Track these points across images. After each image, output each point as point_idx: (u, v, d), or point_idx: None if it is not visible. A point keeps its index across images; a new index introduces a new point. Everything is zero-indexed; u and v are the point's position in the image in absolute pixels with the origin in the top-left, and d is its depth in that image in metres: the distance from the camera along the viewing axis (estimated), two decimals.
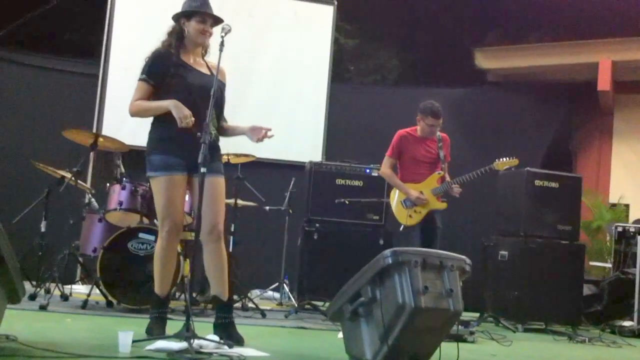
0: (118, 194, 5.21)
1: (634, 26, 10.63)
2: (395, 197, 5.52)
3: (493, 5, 10.25)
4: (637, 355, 4.95)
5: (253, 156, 5.70)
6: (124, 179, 5.28)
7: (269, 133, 3.87)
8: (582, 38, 11.18)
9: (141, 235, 4.97)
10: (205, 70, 3.92)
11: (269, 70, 7.82)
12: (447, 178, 5.41)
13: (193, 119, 3.64)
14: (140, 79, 3.82)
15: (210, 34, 3.92)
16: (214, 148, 3.83)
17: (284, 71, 7.91)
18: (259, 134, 3.87)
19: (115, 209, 5.21)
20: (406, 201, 5.40)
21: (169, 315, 3.92)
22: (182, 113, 3.62)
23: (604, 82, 11.16)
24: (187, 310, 3.36)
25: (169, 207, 3.75)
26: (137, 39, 7.43)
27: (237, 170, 5.78)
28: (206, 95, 3.64)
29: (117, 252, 4.95)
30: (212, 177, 3.74)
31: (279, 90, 7.78)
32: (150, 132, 3.86)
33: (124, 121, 7.07)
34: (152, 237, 4.91)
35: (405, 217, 5.39)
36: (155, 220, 5.29)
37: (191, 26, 3.84)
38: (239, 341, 3.69)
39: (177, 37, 3.88)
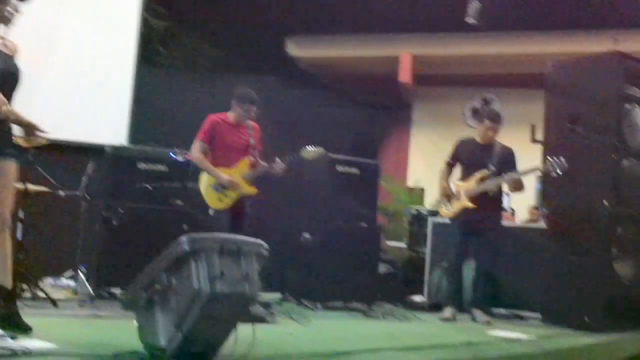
0: None
1: (434, 23, 11.35)
2: (205, 181, 5.45)
3: None
4: (424, 328, 5.31)
5: (44, 139, 5.34)
6: None
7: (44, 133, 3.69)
8: (385, 32, 11.77)
9: None
10: (6, 50, 3.66)
11: (70, 48, 7.36)
12: (261, 164, 5.45)
13: (7, 107, 3.43)
14: None
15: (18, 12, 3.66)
16: (6, 131, 3.64)
17: (87, 50, 7.49)
18: (31, 133, 3.69)
19: None
20: (217, 185, 5.36)
21: None
22: None
23: (405, 75, 11.86)
24: None
25: None
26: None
27: (28, 153, 5.39)
28: (12, 79, 3.53)
29: None
30: (2, 161, 3.57)
31: (80, 69, 7.36)
32: None
33: None
34: None
35: (215, 201, 5.36)
36: None
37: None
38: (26, 330, 3.52)
39: None
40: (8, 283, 3.69)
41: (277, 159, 5.39)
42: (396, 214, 10.12)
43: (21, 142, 5.07)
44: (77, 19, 7.45)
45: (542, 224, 6.61)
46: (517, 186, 5.76)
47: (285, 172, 5.42)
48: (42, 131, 3.72)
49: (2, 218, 3.59)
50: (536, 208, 10.43)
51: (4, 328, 3.40)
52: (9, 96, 3.53)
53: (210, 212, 5.36)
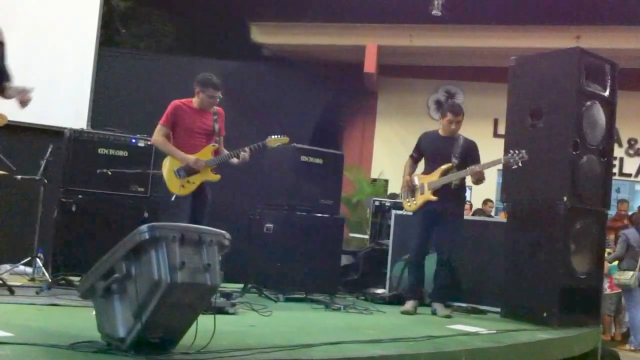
0: None
1: (398, 14, 11.37)
2: (167, 166, 5.36)
3: None
4: (385, 320, 5.32)
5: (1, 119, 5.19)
6: None
7: (31, 96, 3.57)
8: (352, 21, 11.75)
9: None
10: None
11: (29, 28, 7.17)
12: (224, 151, 5.39)
13: None
14: None
15: None
16: None
17: (47, 30, 7.32)
18: (24, 96, 3.57)
19: None
20: (179, 170, 5.28)
21: None
22: None
23: (370, 65, 11.87)
24: None
25: None
26: None
27: None
28: None
29: None
30: None
31: (39, 50, 7.18)
32: None
33: None
34: None
35: (177, 187, 5.28)
36: None
37: None
38: None
39: None
40: None
41: (245, 149, 5.33)
42: (358, 205, 10.15)
43: None
44: None
45: (497, 218, 6.68)
46: (480, 178, 5.80)
47: (246, 161, 5.37)
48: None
49: None
50: (490, 201, 10.61)
51: None
52: None
53: (172, 197, 5.29)
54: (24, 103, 3.57)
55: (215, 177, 5.42)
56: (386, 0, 11.03)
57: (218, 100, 5.38)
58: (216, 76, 5.45)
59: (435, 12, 10.68)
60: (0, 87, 3.60)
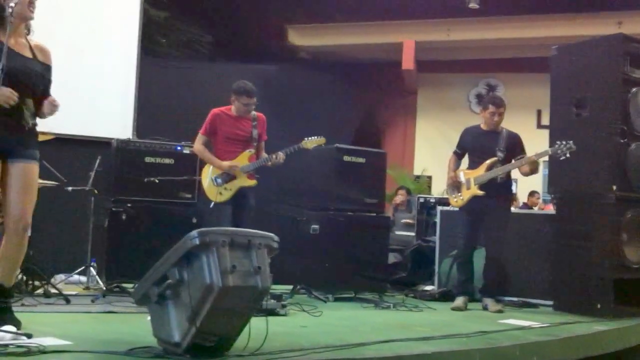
0: None
1: (434, 9, 11.30)
2: (206, 175, 5.47)
3: None
4: (435, 317, 5.29)
5: (51, 134, 5.33)
6: None
7: (57, 105, 3.68)
8: (387, 19, 11.72)
9: None
10: (27, 53, 3.65)
11: (71, 41, 7.31)
12: (263, 156, 5.45)
13: (16, 95, 3.40)
14: None
15: (35, 7, 3.65)
16: (30, 133, 3.65)
17: (89, 42, 7.46)
18: (49, 107, 3.68)
19: None
20: (216, 178, 5.37)
21: None
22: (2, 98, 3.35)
23: (408, 62, 11.82)
24: None
25: None
26: None
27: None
28: (27, 81, 3.51)
29: None
30: (24, 163, 3.58)
31: (83, 63, 7.33)
32: None
33: None
34: None
35: (215, 194, 5.38)
36: None
37: (15, 1, 3.49)
38: (16, 325, 3.51)
39: None
40: (10, 282, 3.70)
41: (279, 152, 5.39)
42: None
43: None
44: (79, 12, 7.42)
45: (547, 210, 6.59)
46: (533, 168, 5.74)
47: (280, 163, 5.40)
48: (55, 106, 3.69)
49: (24, 221, 3.60)
50: (536, 193, 10.46)
51: None
52: (22, 95, 3.50)
53: (211, 205, 5.37)
54: (50, 113, 3.69)
55: (252, 183, 5.48)
56: None
57: (253, 107, 5.44)
58: (254, 81, 5.51)
59: (472, 5, 10.59)
60: (39, 107, 3.71)
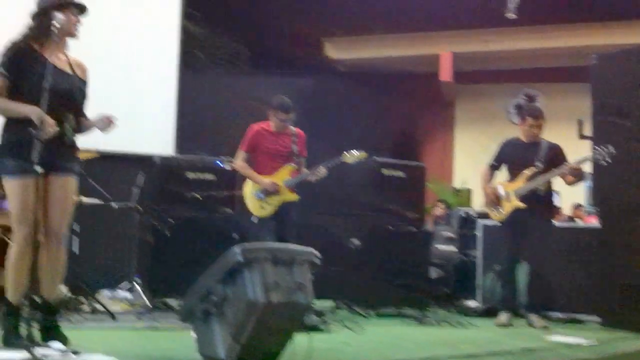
0: None
1: (471, 20, 11.23)
2: (248, 189, 5.50)
3: None
4: (479, 334, 5.23)
5: (94, 152, 5.43)
6: None
7: (114, 121, 3.75)
8: (424, 30, 11.68)
9: None
10: (67, 68, 3.73)
11: (111, 58, 7.42)
12: (303, 172, 5.46)
13: (56, 128, 3.49)
14: None
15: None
16: (70, 147, 3.73)
17: (129, 59, 7.57)
18: (105, 123, 3.75)
19: None
20: (258, 192, 5.40)
21: None
22: (45, 125, 3.42)
23: (446, 73, 11.76)
24: (28, 318, 3.28)
25: (24, 211, 3.53)
26: None
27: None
28: (67, 97, 3.60)
29: None
30: (64, 177, 3.67)
31: (124, 79, 7.43)
32: (3, 135, 3.65)
33: None
34: None
35: (257, 209, 5.40)
36: None
37: (62, 18, 3.59)
38: (63, 342, 3.56)
39: (43, 31, 3.62)
40: (54, 297, 3.76)
41: (320, 166, 5.39)
42: None
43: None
44: (120, 30, 7.55)
45: (590, 223, 6.47)
46: (577, 176, 5.63)
47: (321, 177, 5.40)
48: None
49: (60, 233, 3.68)
50: (580, 206, 10.26)
51: (44, 339, 3.50)
52: (58, 108, 3.57)
53: (254, 219, 5.40)
54: (105, 129, 3.75)
55: (294, 197, 5.49)
56: (458, 7, 10.91)
57: (290, 122, 5.46)
58: (292, 95, 5.54)
59: (510, 15, 10.48)
60: (79, 123, 3.78)
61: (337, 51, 12.44)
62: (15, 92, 3.60)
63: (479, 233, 6.92)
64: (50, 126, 3.44)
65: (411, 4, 10.50)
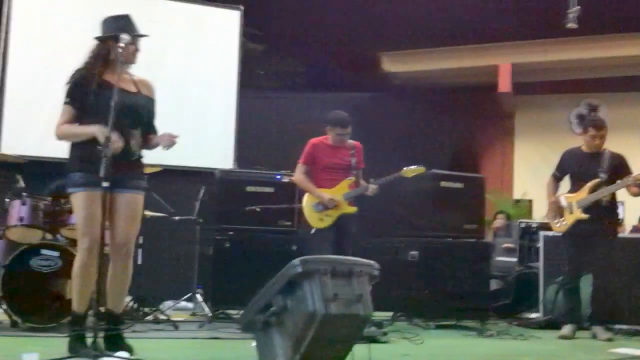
0: (18, 210, 5.00)
1: (530, 30, 11.09)
2: (307, 202, 5.56)
3: (396, 9, 10.42)
4: (542, 346, 5.14)
5: (159, 166, 5.60)
6: (23, 194, 5.07)
7: (176, 139, 3.86)
8: (481, 42, 11.58)
9: (44, 252, 4.79)
10: (131, 88, 3.88)
11: (175, 77, 7.65)
12: (361, 184, 5.50)
13: (121, 144, 3.63)
14: (64, 103, 3.78)
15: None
16: (136, 164, 3.87)
17: (191, 76, 7.80)
18: (167, 141, 3.87)
19: (15, 225, 5.00)
20: (317, 205, 5.46)
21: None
22: (110, 141, 3.53)
23: (504, 84, 11.61)
24: (94, 328, 3.36)
25: (89, 223, 3.68)
26: (35, 50, 7.20)
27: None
28: (131, 114, 3.72)
29: (19, 270, 4.75)
30: (130, 193, 3.81)
31: (187, 96, 7.66)
32: (71, 151, 3.82)
33: (24, 133, 6.89)
34: (55, 254, 4.78)
35: (316, 221, 5.46)
36: (58, 236, 5.15)
37: (122, 47, 3.73)
38: (129, 351, 3.67)
39: (103, 58, 3.81)
40: (120, 308, 3.91)
41: (373, 181, 5.43)
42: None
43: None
44: (182, 49, 7.77)
45: None
46: None
47: (372, 193, 5.43)
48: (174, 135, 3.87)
49: (128, 247, 3.82)
50: None
51: (110, 349, 3.59)
52: (124, 126, 3.70)
53: (313, 231, 5.45)
54: (168, 146, 3.86)
55: (352, 210, 5.52)
56: (517, 18, 10.78)
57: (348, 137, 5.51)
58: (349, 110, 5.59)
59: (571, 25, 10.31)
60: (146, 139, 3.91)
61: (393, 65, 12.43)
62: (82, 116, 3.77)
63: (540, 244, 6.82)
64: (115, 142, 3.57)
65: (468, 15, 10.43)
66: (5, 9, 7.15)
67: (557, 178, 5.96)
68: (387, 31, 11.28)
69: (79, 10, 7.31)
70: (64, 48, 6.75)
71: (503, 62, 11.71)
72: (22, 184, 5.29)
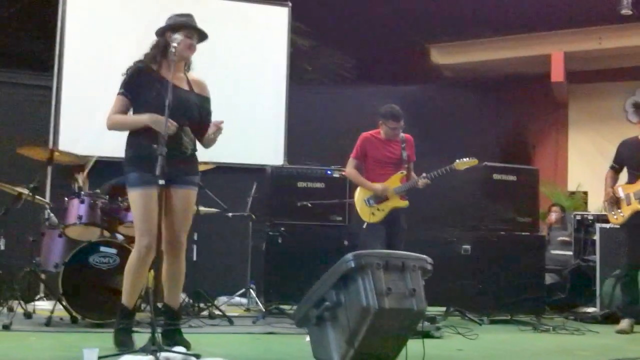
0: (77, 208, 5.14)
1: (583, 17, 10.84)
2: (358, 196, 5.56)
3: (445, 0, 10.32)
4: (599, 341, 5.05)
5: (212, 163, 5.68)
6: (82, 192, 5.21)
7: (221, 125, 3.91)
8: (533, 31, 11.38)
9: (102, 249, 4.91)
10: (184, 86, 3.95)
11: (226, 74, 7.71)
12: (413, 177, 5.48)
13: (175, 125, 3.68)
14: (118, 93, 3.87)
15: (195, 49, 3.96)
16: (190, 160, 3.93)
17: (241, 74, 7.86)
18: (214, 127, 3.93)
19: (74, 224, 5.14)
20: (369, 199, 5.45)
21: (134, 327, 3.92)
22: (161, 125, 3.62)
23: (557, 74, 11.39)
24: (152, 323, 3.39)
25: (146, 221, 3.77)
26: (91, 49, 7.36)
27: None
28: (183, 110, 3.77)
29: (78, 267, 4.88)
30: (184, 189, 3.89)
31: (237, 93, 7.72)
32: (126, 150, 3.91)
33: (81, 133, 7.06)
34: (113, 251, 4.90)
35: (368, 215, 5.45)
36: (116, 233, 5.28)
37: (178, 39, 3.82)
38: (186, 346, 3.73)
39: (161, 51, 3.89)
40: (177, 303, 4.00)
41: (430, 174, 5.40)
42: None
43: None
44: (233, 47, 7.84)
45: None
46: None
47: (422, 186, 5.40)
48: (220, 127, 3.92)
49: (179, 242, 3.90)
50: None
51: (167, 344, 3.65)
52: (180, 126, 3.78)
53: (364, 226, 5.45)
54: (215, 133, 3.92)
55: (404, 204, 5.50)
56: (569, 5, 10.55)
57: (400, 130, 5.48)
58: (399, 103, 5.57)
59: (626, 11, 10.05)
60: (201, 137, 3.97)
61: (443, 56, 12.32)
62: (135, 109, 3.86)
63: (596, 237, 6.68)
64: (170, 124, 3.62)
65: (519, 4, 10.26)
66: (60, 8, 7.32)
67: (615, 170, 5.84)
68: (436, 22, 11.18)
69: (134, 10, 7.46)
70: (119, 47, 6.88)
71: (555, 51, 11.48)
72: (80, 183, 5.44)
